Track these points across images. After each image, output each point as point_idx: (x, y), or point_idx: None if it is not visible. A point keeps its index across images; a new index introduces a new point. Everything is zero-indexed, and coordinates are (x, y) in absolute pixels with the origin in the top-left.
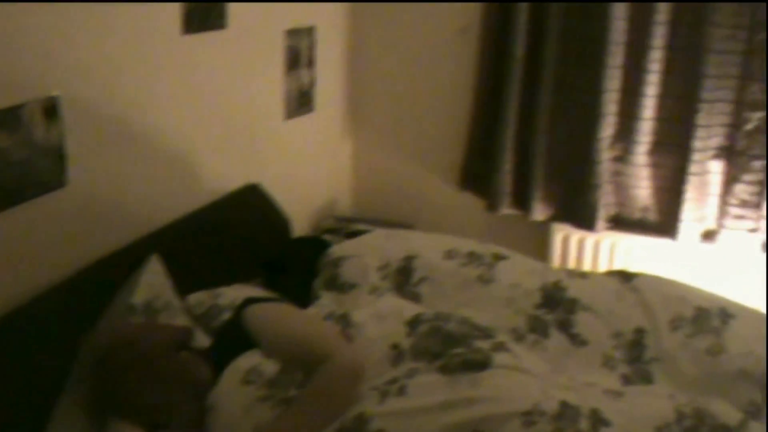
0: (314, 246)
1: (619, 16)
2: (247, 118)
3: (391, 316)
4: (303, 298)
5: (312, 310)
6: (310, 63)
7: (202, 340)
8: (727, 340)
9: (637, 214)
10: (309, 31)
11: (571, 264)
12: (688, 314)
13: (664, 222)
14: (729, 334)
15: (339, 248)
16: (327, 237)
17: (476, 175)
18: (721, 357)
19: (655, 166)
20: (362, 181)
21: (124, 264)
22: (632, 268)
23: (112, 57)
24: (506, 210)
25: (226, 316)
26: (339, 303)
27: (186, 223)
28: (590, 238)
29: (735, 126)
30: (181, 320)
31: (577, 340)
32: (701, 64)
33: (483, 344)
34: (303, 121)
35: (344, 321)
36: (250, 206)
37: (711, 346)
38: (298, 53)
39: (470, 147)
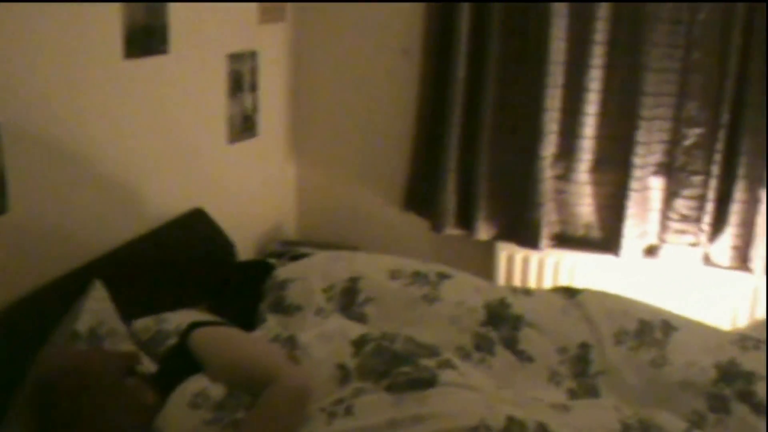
0: (259, 269)
1: (559, 37)
2: (190, 143)
3: (337, 336)
4: (249, 321)
5: (258, 333)
6: (253, 87)
7: (149, 365)
8: (670, 351)
9: (580, 232)
10: (251, 56)
11: (516, 282)
12: (631, 328)
13: (607, 238)
14: (672, 345)
15: (284, 271)
16: (272, 261)
17: (420, 196)
18: (664, 368)
19: (596, 183)
20: (307, 205)
21: (67, 291)
22: (576, 284)
23: (52, 82)
24: (450, 230)
25: (172, 341)
26: (285, 325)
27: (130, 248)
28: (534, 257)
29: (674, 142)
30: (126, 346)
31: (522, 357)
32: (640, 83)
33: (429, 362)
34: (246, 146)
35: (290, 343)
36: (195, 231)
37: (655, 358)
38: (241, 78)
39: (414, 168)
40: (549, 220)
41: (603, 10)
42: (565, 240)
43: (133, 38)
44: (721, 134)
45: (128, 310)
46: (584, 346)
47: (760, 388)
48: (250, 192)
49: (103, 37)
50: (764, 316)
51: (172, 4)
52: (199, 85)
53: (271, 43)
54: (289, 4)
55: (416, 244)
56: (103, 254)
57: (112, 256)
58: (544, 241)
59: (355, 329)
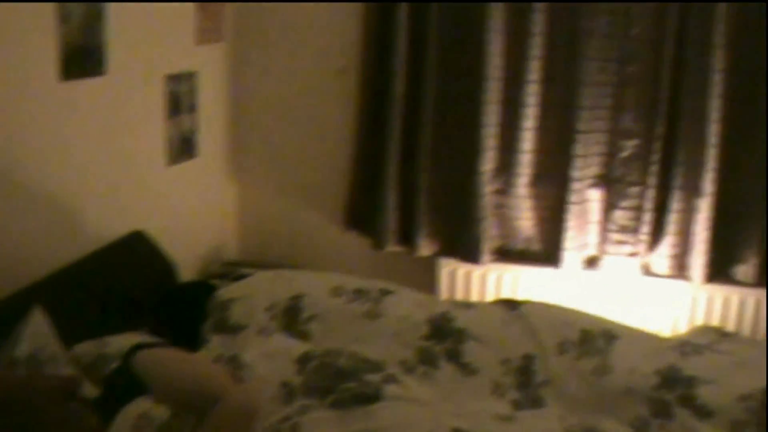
0: (201, 290)
1: (495, 52)
2: (129, 165)
3: (281, 354)
4: (192, 342)
5: (201, 354)
6: (192, 108)
7: (91, 390)
8: (612, 359)
9: (521, 245)
10: (190, 77)
11: (459, 298)
12: (573, 337)
13: (547, 251)
14: (614, 353)
15: (226, 291)
16: (214, 282)
17: (361, 213)
18: (607, 376)
19: (536, 197)
20: (249, 225)
21: (5, 316)
22: (518, 297)
23: None
24: (392, 247)
25: (115, 364)
26: (228, 345)
27: (69, 272)
28: (477, 271)
29: (611, 155)
30: (67, 371)
31: (466, 369)
32: (576, 97)
33: (373, 377)
34: (186, 167)
35: (234, 362)
36: (136, 253)
37: (597, 367)
38: (180, 99)
39: (354, 186)
40: (490, 235)
41: (538, 26)
42: (506, 254)
43: (69, 60)
44: (657, 145)
45: (69, 334)
46: (527, 357)
47: (700, 392)
48: (190, 213)
49: (37, 59)
50: (703, 323)
51: (109, 26)
52: (137, 107)
53: (210, 64)
54: (226, 25)
55: (358, 262)
56: (43, 278)
57: (51, 280)
58: (486, 256)
59: (299, 347)
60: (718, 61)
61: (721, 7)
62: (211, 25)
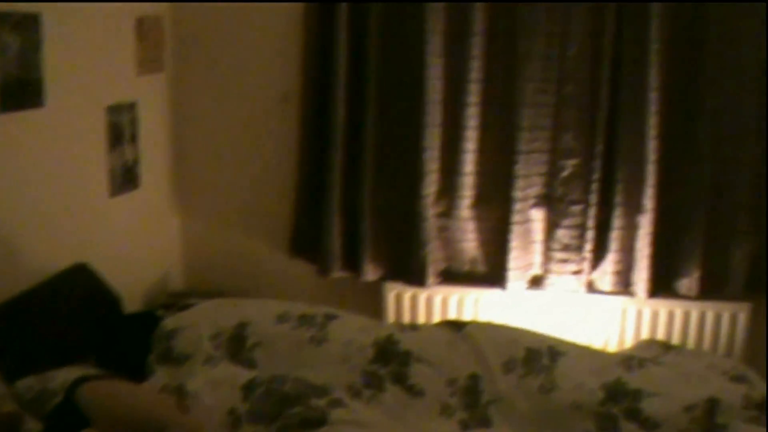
0: (146, 321)
1: (435, 76)
2: (71, 197)
3: (227, 382)
4: (137, 374)
5: (146, 385)
6: (134, 139)
7: (34, 426)
8: (558, 376)
9: (466, 267)
10: (130, 107)
11: (406, 321)
12: (519, 356)
13: (492, 272)
14: (559, 370)
15: (171, 321)
16: (160, 312)
17: (306, 240)
18: (553, 393)
19: (479, 218)
20: (194, 255)
21: None
22: (464, 319)
23: None
24: (338, 273)
25: (58, 399)
26: (173, 375)
27: (11, 306)
28: (422, 294)
29: (552, 174)
30: (8, 407)
31: (413, 391)
32: (516, 118)
33: (319, 402)
34: (129, 198)
35: (179, 392)
36: (79, 286)
37: (543, 384)
38: (121, 130)
39: (298, 213)
40: (434, 258)
41: (477, 49)
42: (451, 276)
43: (7, 92)
44: (597, 163)
45: (11, 370)
46: (474, 377)
47: (646, 405)
48: (134, 244)
49: None
50: (648, 337)
51: (47, 57)
52: (77, 138)
53: (151, 94)
54: (167, 55)
55: (305, 288)
56: None
57: None
58: (431, 279)
59: (245, 374)
60: (654, 80)
61: (656, 27)
62: (151, 55)
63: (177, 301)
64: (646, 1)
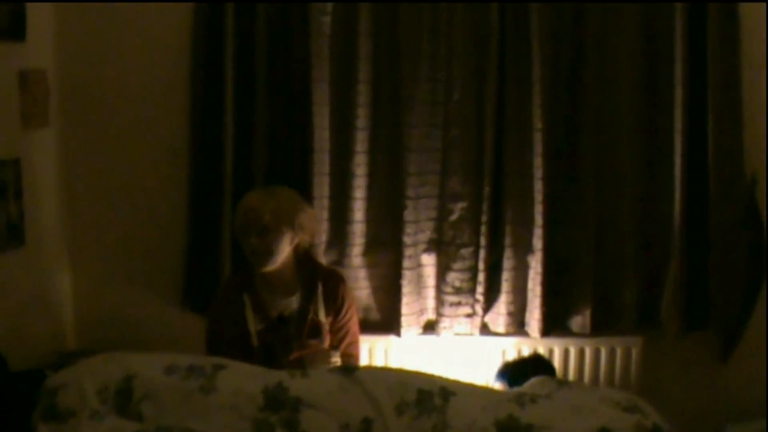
0: (31, 380)
1: (322, 126)
2: None
3: None
4: None
5: None
6: (18, 195)
7: None
8: (450, 416)
9: (359, 315)
10: (14, 163)
11: None
12: (411, 398)
13: (386, 319)
14: (452, 410)
15: (55, 377)
16: (48, 371)
17: (198, 294)
18: None
19: (370, 266)
20: (86, 313)
21: None
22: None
23: None
24: None
25: None
26: None
27: None
28: None
29: (441, 218)
30: None
31: None
32: (404, 163)
33: None
34: (15, 255)
35: None
36: None
37: (436, 424)
38: (5, 186)
39: (190, 267)
40: None
41: (363, 96)
42: None
43: None
44: (485, 206)
45: None
46: (366, 421)
47: None
48: (21, 304)
49: None
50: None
51: None
52: None
53: (37, 149)
54: (53, 109)
55: (199, 342)
56: None
57: None
58: None
59: (131, 428)
60: (537, 120)
61: (537, 67)
62: (36, 109)
63: (69, 361)
64: (529, 43)
